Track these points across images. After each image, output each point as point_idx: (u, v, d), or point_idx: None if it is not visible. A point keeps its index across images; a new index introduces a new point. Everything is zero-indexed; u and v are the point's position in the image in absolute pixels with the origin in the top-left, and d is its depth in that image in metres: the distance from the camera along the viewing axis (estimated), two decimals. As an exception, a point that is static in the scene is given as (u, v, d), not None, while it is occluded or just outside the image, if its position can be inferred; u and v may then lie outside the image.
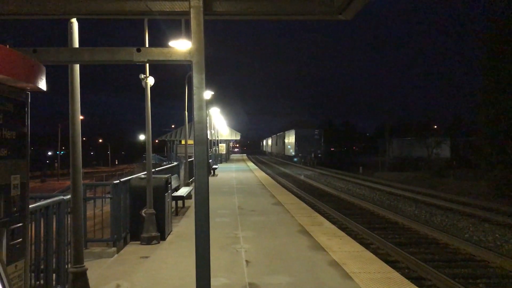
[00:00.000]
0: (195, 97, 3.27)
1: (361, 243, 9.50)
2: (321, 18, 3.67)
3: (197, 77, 3.26)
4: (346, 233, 10.02)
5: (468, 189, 26.18)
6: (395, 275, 6.33)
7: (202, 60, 3.27)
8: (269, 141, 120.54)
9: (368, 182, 31.17)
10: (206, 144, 3.35)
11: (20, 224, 2.21)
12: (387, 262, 8.12)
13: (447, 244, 11.58)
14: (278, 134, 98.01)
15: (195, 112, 3.26)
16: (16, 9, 3.49)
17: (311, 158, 66.55)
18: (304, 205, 14.26)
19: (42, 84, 2.37)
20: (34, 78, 2.26)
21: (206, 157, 3.37)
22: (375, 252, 9.85)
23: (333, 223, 12.16)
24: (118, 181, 8.15)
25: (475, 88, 27.76)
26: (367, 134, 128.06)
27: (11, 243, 2.13)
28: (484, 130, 27.03)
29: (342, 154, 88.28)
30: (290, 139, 76.26)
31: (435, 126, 56.73)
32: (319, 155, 68.88)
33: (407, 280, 6.13)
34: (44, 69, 2.42)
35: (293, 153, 72.31)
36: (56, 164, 71.67)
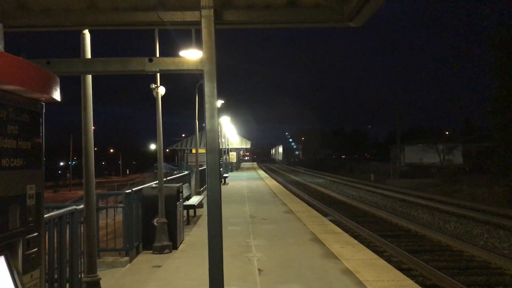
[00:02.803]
0: (207, 106, 3.27)
1: (374, 251, 9.42)
2: (332, 26, 3.68)
3: (209, 86, 3.26)
4: (359, 241, 9.93)
5: (482, 195, 25.82)
6: (409, 283, 6.25)
7: (213, 69, 3.27)
8: (273, 151, 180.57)
9: (380, 190, 30.91)
10: (218, 153, 3.34)
11: (36, 234, 2.22)
12: (400, 270, 8.03)
13: (461, 251, 11.43)
14: (275, 146, 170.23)
15: (207, 121, 3.26)
16: (30, 22, 3.55)
17: (290, 161, 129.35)
18: (316, 213, 14.18)
19: (57, 95, 2.40)
20: (49, 89, 2.29)
21: (218, 165, 3.36)
22: (388, 260, 9.76)
23: (346, 231, 12.06)
24: (130, 190, 8.19)
25: (488, 94, 27.48)
26: (377, 140, 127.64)
27: (27, 252, 2.14)
28: (498, 135, 26.69)
29: (332, 159, 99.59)
30: (280, 150, 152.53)
31: (447, 132, 56.27)
32: (296, 160, 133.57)
33: (422, 288, 6.06)
34: (58, 79, 2.45)
35: (281, 159, 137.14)
36: (68, 174, 72.28)
